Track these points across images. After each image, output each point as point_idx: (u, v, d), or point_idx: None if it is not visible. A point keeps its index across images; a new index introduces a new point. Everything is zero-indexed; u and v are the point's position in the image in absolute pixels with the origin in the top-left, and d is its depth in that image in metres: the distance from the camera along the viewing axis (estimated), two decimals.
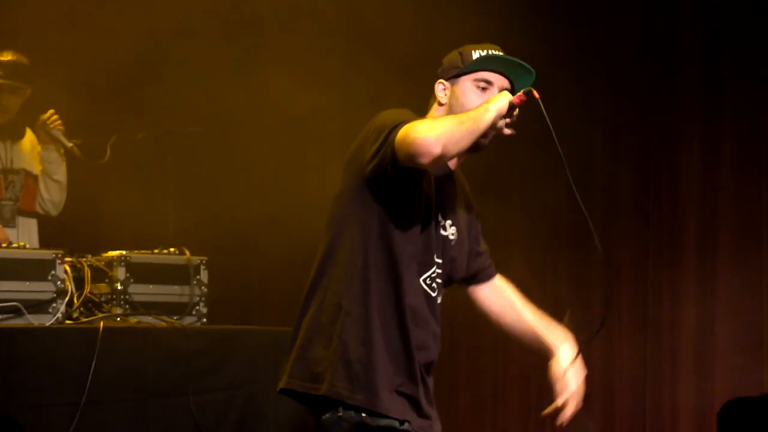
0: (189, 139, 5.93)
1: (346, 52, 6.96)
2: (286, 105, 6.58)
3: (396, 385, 3.31)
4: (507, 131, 3.30)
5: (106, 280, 5.11)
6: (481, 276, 3.67)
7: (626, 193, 6.73)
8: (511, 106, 3.27)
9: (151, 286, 5.19)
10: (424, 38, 6.20)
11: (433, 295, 3.41)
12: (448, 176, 3.48)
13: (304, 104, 6.54)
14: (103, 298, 5.08)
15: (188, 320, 5.21)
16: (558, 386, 3.50)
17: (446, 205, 3.45)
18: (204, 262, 5.33)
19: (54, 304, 4.84)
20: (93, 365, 4.57)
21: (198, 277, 5.30)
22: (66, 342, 4.65)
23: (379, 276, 3.31)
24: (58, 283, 4.86)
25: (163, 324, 5.06)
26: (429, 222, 3.37)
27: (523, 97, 3.29)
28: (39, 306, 4.81)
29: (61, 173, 5.85)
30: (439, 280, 3.43)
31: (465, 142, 3.17)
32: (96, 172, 5.84)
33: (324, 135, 6.85)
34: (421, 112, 3.41)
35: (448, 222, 3.45)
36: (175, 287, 5.26)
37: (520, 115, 3.35)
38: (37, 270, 4.84)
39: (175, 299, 5.24)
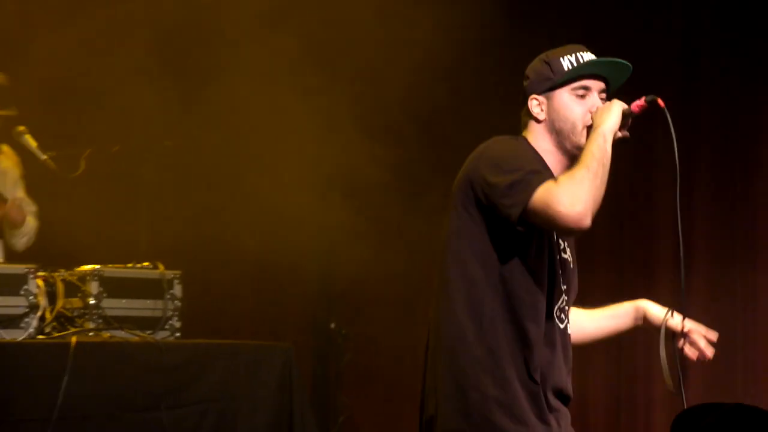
0: (163, 152, 5.91)
1: (322, 62, 6.96)
2: (260, 117, 6.57)
3: None
4: (620, 134, 3.17)
5: (79, 295, 5.08)
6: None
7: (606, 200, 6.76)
8: (626, 115, 3.15)
9: (124, 301, 5.16)
10: (392, 48, 6.24)
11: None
12: None
13: (279, 116, 6.54)
14: (75, 313, 5.05)
15: (161, 335, 5.19)
16: (673, 328, 3.41)
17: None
18: (177, 276, 5.31)
19: (26, 319, 4.81)
20: (65, 380, 4.55)
21: (171, 291, 5.28)
22: (38, 357, 4.63)
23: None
24: (31, 297, 4.83)
25: (136, 339, 5.04)
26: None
27: (644, 105, 3.15)
28: (11, 321, 4.78)
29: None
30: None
31: (604, 190, 3.05)
32: (70, 186, 5.82)
33: (300, 148, 6.85)
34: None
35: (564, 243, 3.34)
36: (149, 302, 5.23)
37: None
38: (10, 284, 4.81)
39: (149, 314, 5.22)
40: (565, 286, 3.27)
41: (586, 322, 3.53)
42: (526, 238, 3.13)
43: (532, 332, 3.14)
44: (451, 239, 3.20)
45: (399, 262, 6.77)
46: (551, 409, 3.19)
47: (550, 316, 3.20)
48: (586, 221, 2.99)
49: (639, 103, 3.15)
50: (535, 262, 3.16)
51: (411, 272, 6.77)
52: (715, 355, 3.43)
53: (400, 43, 6.48)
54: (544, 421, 3.16)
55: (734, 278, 6.44)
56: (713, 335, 3.40)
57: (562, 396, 3.25)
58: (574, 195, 2.98)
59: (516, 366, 3.13)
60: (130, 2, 6.59)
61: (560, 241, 3.28)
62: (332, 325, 7.12)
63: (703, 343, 3.39)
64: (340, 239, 6.89)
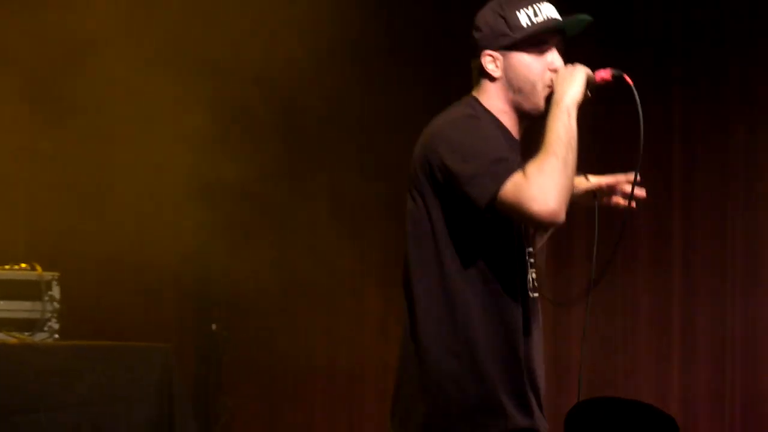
0: (42, 149, 5.86)
1: (188, 71, 6.89)
2: (130, 117, 6.51)
3: None
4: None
5: None
6: None
7: None
8: (589, 83, 2.96)
9: (1, 302, 5.12)
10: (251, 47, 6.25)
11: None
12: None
13: (152, 118, 6.49)
14: None
15: (40, 336, 5.15)
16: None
17: None
18: (56, 277, 5.28)
19: None
20: None
21: (50, 292, 5.24)
22: None
23: None
24: None
25: (14, 340, 4.99)
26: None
27: (609, 79, 3.00)
28: None
29: None
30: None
31: (574, 176, 2.88)
32: None
33: (174, 152, 6.78)
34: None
35: None
36: (27, 303, 5.19)
37: None
38: None
39: (27, 315, 5.18)
40: (530, 249, 3.11)
41: None
42: (493, 221, 2.95)
43: (510, 315, 2.99)
44: (412, 227, 3.04)
45: (278, 261, 6.80)
46: (535, 393, 3.05)
47: (524, 292, 3.04)
48: (561, 216, 2.83)
49: (604, 76, 3.00)
50: (503, 241, 3.00)
51: (289, 272, 6.81)
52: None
53: (262, 42, 6.49)
54: (527, 413, 3.01)
55: (613, 282, 6.59)
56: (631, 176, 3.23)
57: (537, 386, 3.09)
58: (546, 190, 2.81)
59: (495, 356, 2.97)
60: None
61: None
62: (213, 326, 7.10)
63: (628, 188, 3.22)
64: (219, 240, 6.88)
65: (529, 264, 3.08)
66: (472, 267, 2.97)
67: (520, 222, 2.94)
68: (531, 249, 3.10)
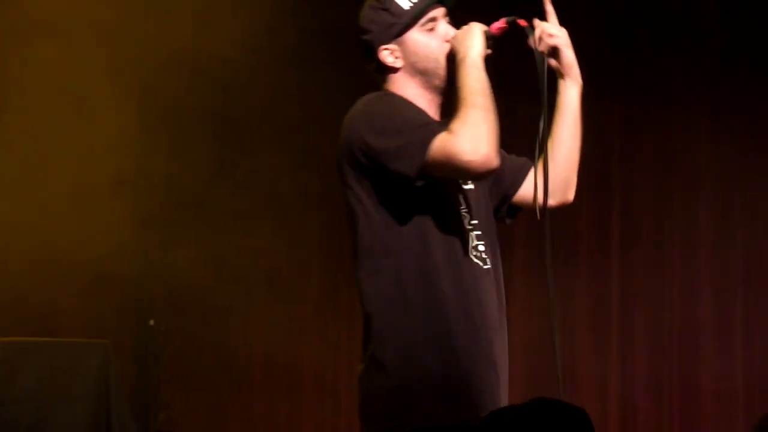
0: None
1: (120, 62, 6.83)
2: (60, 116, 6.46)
3: None
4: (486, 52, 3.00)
5: None
6: (522, 170, 3.29)
7: None
8: (487, 37, 2.97)
9: None
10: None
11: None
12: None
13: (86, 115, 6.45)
14: None
15: None
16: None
17: None
18: None
19: None
20: None
21: None
22: None
23: None
24: None
25: None
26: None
27: (504, 26, 3.00)
28: None
29: None
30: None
31: (498, 121, 2.87)
32: None
33: (109, 147, 6.74)
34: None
35: None
36: None
37: None
38: None
39: None
40: (476, 221, 3.09)
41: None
42: (424, 191, 2.94)
43: (452, 291, 2.96)
44: (350, 217, 3.03)
45: (215, 258, 6.80)
46: (485, 369, 3.01)
47: (467, 260, 3.01)
48: (495, 161, 2.83)
49: (499, 24, 3.01)
50: (437, 211, 2.99)
51: (225, 265, 6.82)
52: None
53: (192, 34, 6.48)
54: (453, 405, 2.96)
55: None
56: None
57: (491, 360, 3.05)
58: (474, 138, 2.81)
59: (427, 342, 2.94)
60: None
61: None
62: (151, 322, 7.09)
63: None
64: (156, 235, 6.87)
65: (472, 235, 3.05)
66: (408, 244, 2.96)
67: (454, 177, 2.93)
68: (476, 221, 3.08)
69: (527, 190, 3.24)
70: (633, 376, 6.74)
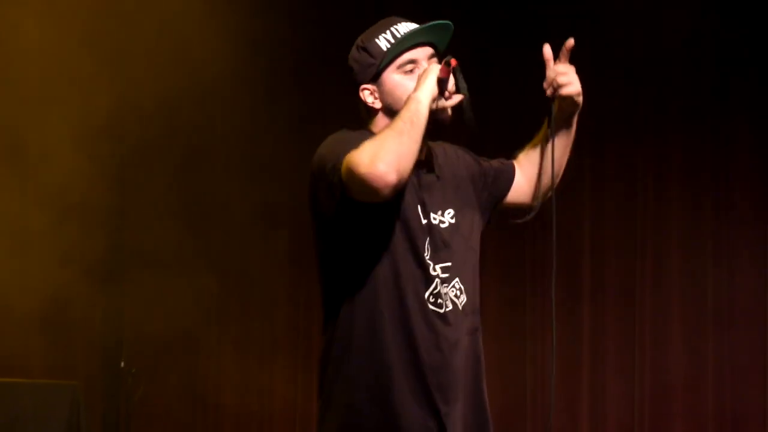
0: None
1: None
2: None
3: None
4: (454, 101, 3.01)
5: None
6: (510, 174, 3.32)
7: None
8: (441, 80, 2.98)
9: None
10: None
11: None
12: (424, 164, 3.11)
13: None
14: None
15: None
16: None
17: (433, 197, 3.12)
18: None
19: None
20: None
21: None
22: None
23: None
24: None
25: None
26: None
27: (445, 68, 3.00)
28: None
29: None
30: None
31: (416, 148, 2.87)
32: None
33: (62, 175, 6.72)
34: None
35: (440, 212, 3.12)
36: None
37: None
38: None
39: None
40: (447, 263, 3.08)
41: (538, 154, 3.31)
42: (379, 240, 2.98)
43: (395, 337, 2.97)
44: (315, 251, 3.06)
45: (184, 297, 6.83)
46: (432, 414, 2.99)
47: (423, 306, 3.01)
48: (390, 177, 2.79)
49: (442, 68, 3.00)
50: (390, 259, 2.99)
51: (196, 307, 6.86)
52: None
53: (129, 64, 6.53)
54: None
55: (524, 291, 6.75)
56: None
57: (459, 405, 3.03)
58: (373, 154, 2.80)
59: (390, 380, 2.96)
60: None
61: (426, 206, 3.08)
62: (122, 364, 7.11)
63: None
64: (125, 275, 6.90)
65: (437, 281, 3.03)
66: (360, 291, 2.98)
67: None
68: (448, 263, 3.06)
69: (514, 191, 3.31)
70: (602, 388, 6.73)
